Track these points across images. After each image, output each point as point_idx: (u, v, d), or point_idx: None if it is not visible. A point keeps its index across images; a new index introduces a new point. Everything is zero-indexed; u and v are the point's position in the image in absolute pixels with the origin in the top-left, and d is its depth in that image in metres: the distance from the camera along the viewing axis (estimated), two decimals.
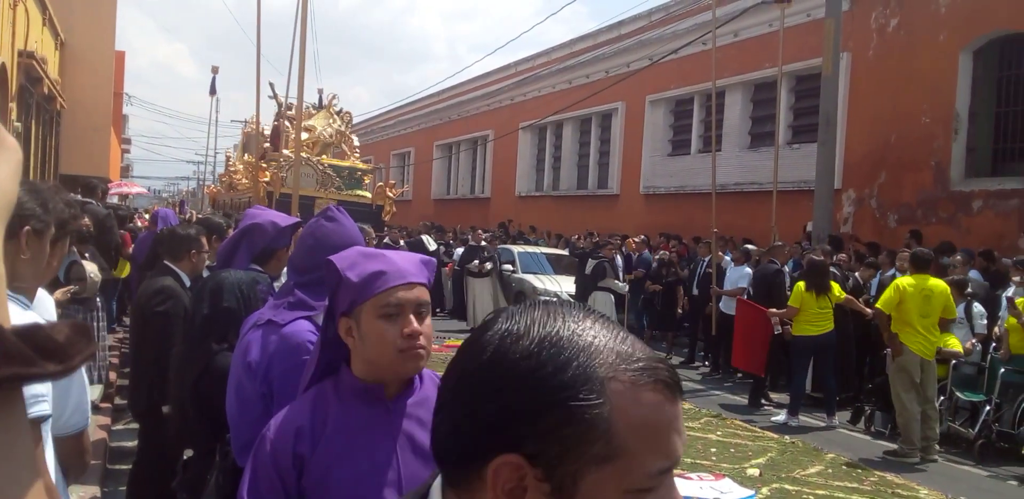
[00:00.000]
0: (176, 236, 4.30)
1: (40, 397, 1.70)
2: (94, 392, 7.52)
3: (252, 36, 8.17)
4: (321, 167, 12.20)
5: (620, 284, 12.27)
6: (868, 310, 8.68)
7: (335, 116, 13.47)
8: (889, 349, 7.93)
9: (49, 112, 17.55)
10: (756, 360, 9.46)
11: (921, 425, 7.57)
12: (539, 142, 25.61)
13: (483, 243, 15.37)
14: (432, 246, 16.51)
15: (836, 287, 8.82)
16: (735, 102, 17.11)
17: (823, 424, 8.65)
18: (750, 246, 11.89)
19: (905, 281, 7.62)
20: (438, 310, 16.06)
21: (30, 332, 0.52)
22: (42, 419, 1.71)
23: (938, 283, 7.74)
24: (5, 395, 0.54)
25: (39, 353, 0.52)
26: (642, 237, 14.86)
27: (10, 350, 0.50)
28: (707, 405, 9.33)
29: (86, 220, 7.06)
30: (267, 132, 14.30)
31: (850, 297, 9.04)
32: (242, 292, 3.03)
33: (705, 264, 12.03)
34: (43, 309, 2.38)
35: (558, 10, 61.89)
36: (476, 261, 14.50)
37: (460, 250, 17.32)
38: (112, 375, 7.76)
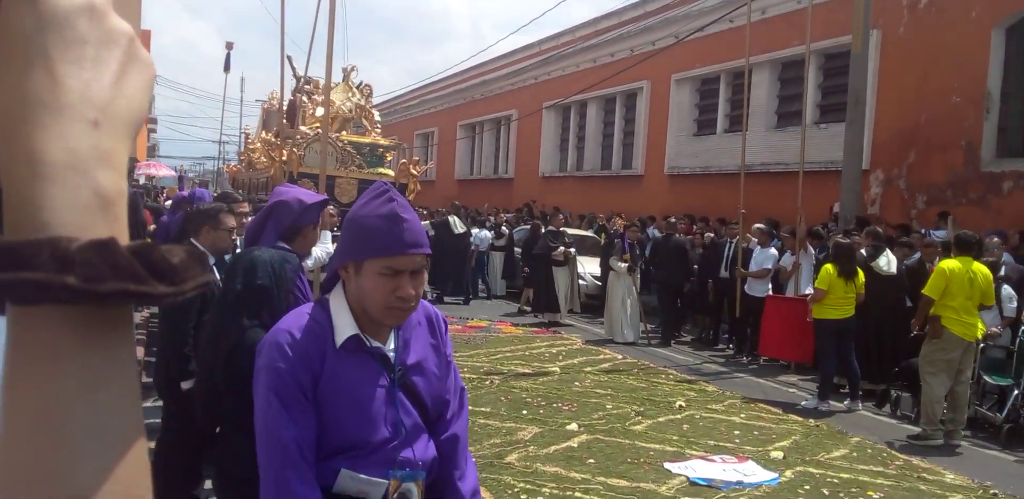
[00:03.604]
0: (196, 212, 4.34)
1: None
2: None
3: (276, 14, 8.13)
4: (341, 144, 11.99)
5: (621, 264, 12.13)
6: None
7: (354, 89, 13.20)
8: (916, 331, 7.86)
9: None
10: (800, 349, 9.41)
11: (951, 408, 7.50)
12: (563, 122, 25.48)
13: (562, 229, 14.39)
14: (460, 228, 16.27)
15: (860, 272, 8.73)
16: (762, 81, 16.91)
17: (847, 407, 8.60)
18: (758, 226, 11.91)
19: (950, 264, 7.51)
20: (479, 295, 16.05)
21: (144, 250, 0.49)
22: None
23: (981, 267, 7.63)
24: (114, 313, 0.51)
25: (152, 272, 0.49)
26: (672, 219, 14.74)
27: (121, 264, 0.48)
28: (731, 387, 9.29)
29: None
30: (284, 108, 14.16)
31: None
32: (274, 270, 3.04)
33: (733, 245, 11.93)
34: None
35: None
36: (561, 248, 13.52)
37: (485, 233, 17.21)
38: (139, 352, 7.83)
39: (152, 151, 43.41)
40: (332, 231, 6.69)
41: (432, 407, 2.13)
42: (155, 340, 7.75)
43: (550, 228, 14.20)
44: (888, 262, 9.33)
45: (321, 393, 1.97)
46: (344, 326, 2.01)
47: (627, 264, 12.04)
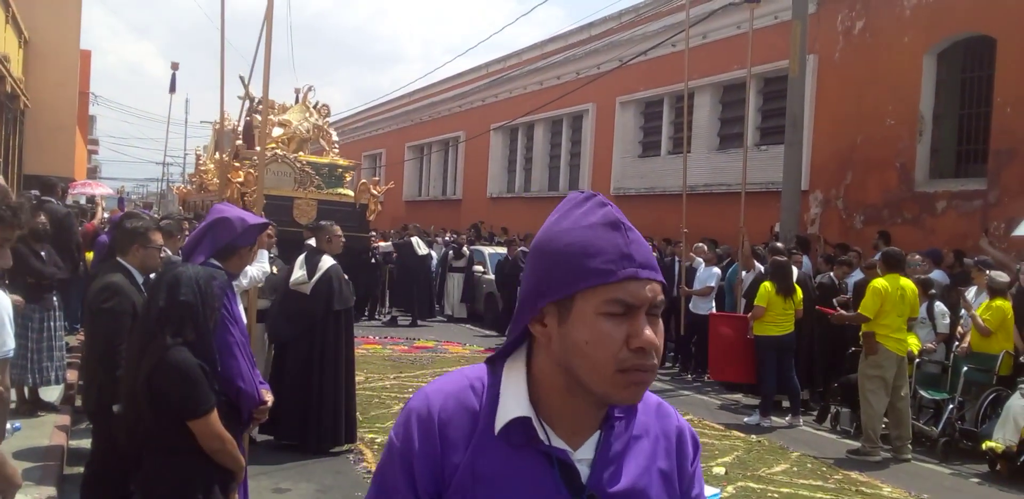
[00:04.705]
0: (122, 230, 4.24)
1: None
2: (53, 393, 7.40)
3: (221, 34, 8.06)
4: (299, 165, 11.89)
5: None
6: (842, 312, 8.65)
7: (311, 110, 13.10)
8: (856, 348, 8.00)
9: (12, 111, 17.27)
10: (745, 369, 9.43)
11: (894, 425, 7.64)
12: (510, 143, 25.61)
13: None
14: (423, 250, 16.23)
15: (799, 290, 8.88)
16: (704, 104, 17.20)
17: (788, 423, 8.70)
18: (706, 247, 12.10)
19: (882, 283, 7.68)
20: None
21: None
22: None
23: (908, 283, 7.83)
24: None
25: None
26: None
27: None
28: (675, 404, 9.26)
29: (43, 218, 6.95)
30: (239, 129, 14.03)
31: (824, 309, 9.00)
32: (199, 286, 2.98)
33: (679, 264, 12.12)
34: None
35: (529, 11, 61.93)
36: None
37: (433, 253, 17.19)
38: (72, 376, 7.63)
39: (93, 172, 42.58)
40: (270, 252, 6.60)
41: None
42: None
43: (522, 249, 14.01)
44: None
45: None
46: (512, 403, 1.27)
47: None
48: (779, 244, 10.13)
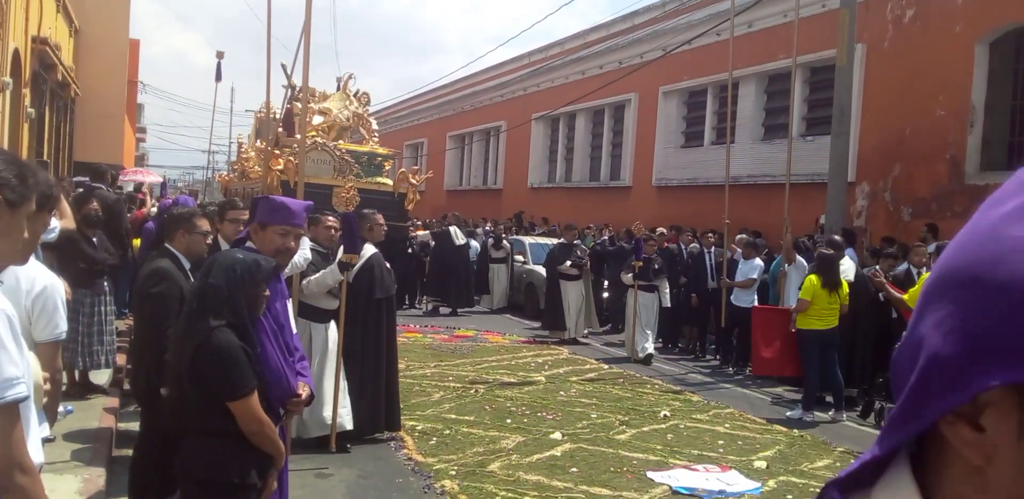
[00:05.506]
0: (169, 217, 4.32)
1: (16, 380, 1.68)
2: (102, 377, 7.56)
3: (265, 21, 8.14)
4: (339, 153, 11.95)
5: (627, 276, 11.84)
6: (886, 285, 8.60)
7: (351, 97, 13.13)
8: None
9: (63, 99, 17.60)
10: (788, 363, 9.28)
11: None
12: (552, 133, 25.54)
13: (576, 242, 13.75)
14: (461, 240, 16.23)
15: (844, 284, 8.76)
16: (748, 93, 16.99)
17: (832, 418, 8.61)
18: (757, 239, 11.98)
19: None
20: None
21: None
22: (19, 401, 1.69)
23: None
24: None
25: None
26: (660, 230, 14.63)
27: None
28: (716, 398, 9.29)
29: (95, 204, 7.09)
30: (279, 117, 14.15)
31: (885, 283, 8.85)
32: (235, 271, 3.01)
33: (713, 256, 12.11)
34: (26, 280, 2.36)
35: (570, 0, 61.42)
36: (568, 263, 12.97)
37: (475, 243, 17.19)
38: (121, 359, 7.78)
39: (141, 160, 43.28)
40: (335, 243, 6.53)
41: None
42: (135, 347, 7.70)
43: (561, 241, 13.76)
44: (846, 269, 9.36)
45: None
46: None
47: (632, 273, 11.64)
48: (837, 237, 9.96)
